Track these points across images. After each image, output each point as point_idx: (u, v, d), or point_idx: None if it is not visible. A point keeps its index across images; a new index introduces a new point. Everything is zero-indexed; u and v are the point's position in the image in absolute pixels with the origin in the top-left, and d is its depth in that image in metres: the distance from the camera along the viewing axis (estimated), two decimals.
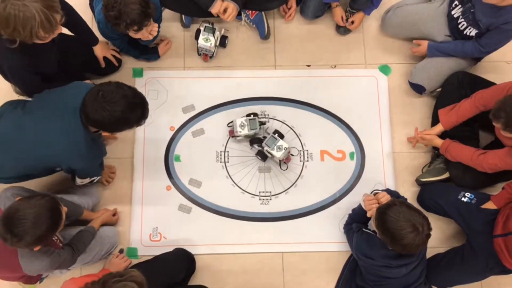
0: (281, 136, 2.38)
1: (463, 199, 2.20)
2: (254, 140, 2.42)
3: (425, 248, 2.05)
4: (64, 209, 1.80)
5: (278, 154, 2.34)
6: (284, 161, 2.42)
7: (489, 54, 2.36)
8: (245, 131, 2.37)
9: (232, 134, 2.44)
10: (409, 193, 2.45)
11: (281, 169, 2.44)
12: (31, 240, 1.66)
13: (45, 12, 1.68)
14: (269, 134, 2.39)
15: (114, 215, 2.32)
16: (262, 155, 2.41)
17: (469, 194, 2.21)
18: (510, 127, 1.88)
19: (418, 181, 2.43)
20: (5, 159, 1.94)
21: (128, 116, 1.78)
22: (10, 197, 1.90)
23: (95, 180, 2.26)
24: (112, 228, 2.29)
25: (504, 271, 2.08)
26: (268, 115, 2.52)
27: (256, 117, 2.40)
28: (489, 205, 2.14)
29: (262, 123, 2.43)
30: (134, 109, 1.79)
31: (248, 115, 2.41)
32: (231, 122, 2.44)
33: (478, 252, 2.12)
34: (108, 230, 2.26)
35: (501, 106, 1.88)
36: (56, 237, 1.96)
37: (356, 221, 2.16)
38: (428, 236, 1.78)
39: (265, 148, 2.35)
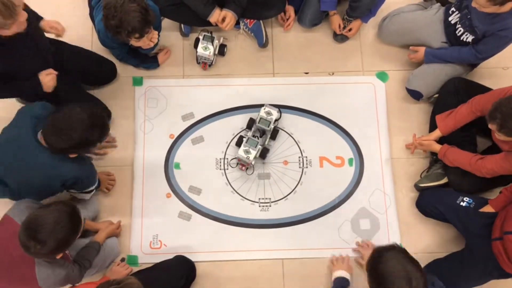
0: (252, 119, 2.45)
1: (461, 203, 2.21)
2: (263, 152, 2.43)
3: None
4: (83, 216, 1.83)
5: (275, 113, 2.40)
6: (239, 163, 2.44)
7: (485, 60, 2.38)
8: (253, 154, 2.35)
9: (244, 167, 2.44)
10: (408, 198, 2.46)
11: (278, 120, 2.47)
12: (53, 245, 1.67)
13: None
14: (256, 131, 2.44)
15: (117, 227, 2.32)
16: (275, 132, 2.47)
17: (468, 198, 2.22)
18: (505, 128, 1.89)
19: (417, 187, 2.44)
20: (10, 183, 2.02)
21: (87, 137, 1.83)
22: (24, 210, 1.87)
23: (93, 190, 2.25)
24: (114, 240, 2.29)
25: (503, 274, 2.08)
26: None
27: (248, 136, 2.39)
28: (487, 209, 2.16)
29: (255, 136, 2.42)
30: (92, 130, 1.83)
31: (239, 143, 2.41)
32: (235, 160, 2.45)
33: (477, 256, 2.12)
34: (110, 242, 2.26)
35: (497, 107, 1.90)
36: (67, 251, 1.97)
37: None
38: None
39: (271, 126, 2.41)
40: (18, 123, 1.96)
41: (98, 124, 1.87)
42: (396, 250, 1.64)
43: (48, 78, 2.13)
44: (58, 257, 1.75)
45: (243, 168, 2.45)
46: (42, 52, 2.12)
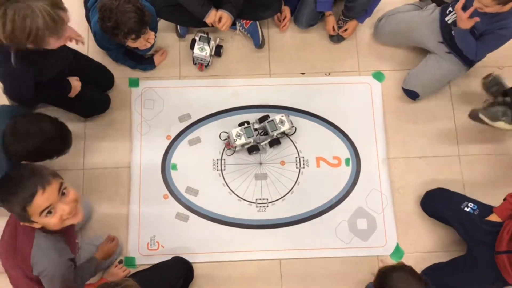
0: (268, 116, 2.46)
1: (465, 208, 2.19)
2: (252, 148, 2.43)
3: None
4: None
5: (287, 126, 2.40)
6: (292, 126, 2.47)
7: (480, 58, 2.38)
8: (242, 140, 2.38)
9: (228, 146, 2.46)
10: (406, 198, 2.47)
11: (291, 135, 2.50)
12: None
13: (49, 14, 1.59)
14: (263, 125, 2.43)
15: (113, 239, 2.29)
16: (276, 141, 2.45)
17: (472, 204, 2.20)
18: None
19: (473, 114, 2.33)
20: None
21: (44, 148, 1.81)
22: None
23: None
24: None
25: (507, 283, 2.06)
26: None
27: (250, 125, 2.42)
28: (493, 218, 2.13)
29: (256, 129, 2.45)
30: (51, 142, 1.81)
31: (241, 124, 2.44)
32: (226, 135, 2.46)
33: (481, 265, 2.10)
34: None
35: None
36: (78, 241, 1.92)
37: None
38: None
39: (275, 134, 2.41)
40: None
41: (60, 138, 1.84)
42: (403, 271, 1.66)
43: (76, 83, 2.22)
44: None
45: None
46: (63, 60, 2.09)
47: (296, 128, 2.51)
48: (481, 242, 2.12)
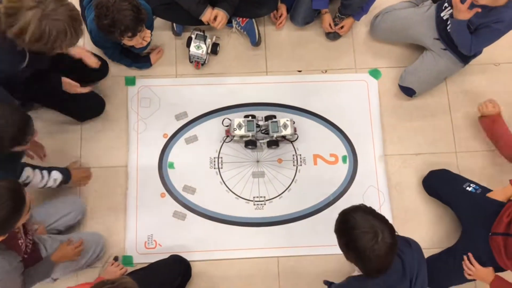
0: (274, 117, 2.45)
1: (467, 188, 2.24)
2: (249, 142, 2.43)
3: (423, 280, 1.70)
4: (29, 197, 1.63)
5: (288, 131, 2.39)
6: (294, 132, 2.46)
7: (475, 52, 2.35)
8: (242, 131, 2.38)
9: (228, 133, 2.46)
10: (402, 195, 2.48)
11: (292, 141, 2.49)
12: None
13: (73, 25, 1.68)
14: (266, 123, 2.43)
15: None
16: (274, 143, 2.44)
17: (474, 185, 2.25)
18: None
19: None
20: None
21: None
22: None
23: (58, 181, 2.15)
24: (95, 234, 2.27)
25: (497, 268, 2.09)
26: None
27: (254, 119, 2.42)
28: (494, 195, 2.16)
29: (258, 126, 2.45)
30: (6, 127, 1.69)
31: (246, 116, 2.43)
32: (229, 122, 2.47)
33: (472, 246, 2.13)
34: (91, 236, 2.23)
35: None
36: (22, 241, 1.82)
37: None
38: (390, 246, 1.51)
39: (275, 136, 2.39)
40: None
41: (16, 125, 1.71)
42: (361, 210, 1.61)
43: (67, 81, 2.18)
44: None
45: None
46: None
47: (298, 136, 2.49)
48: (478, 222, 2.14)
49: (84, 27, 1.75)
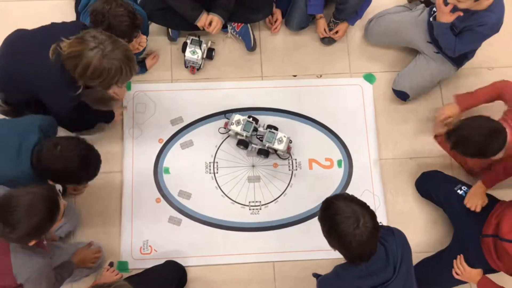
0: (276, 129, 2.43)
1: (458, 191, 2.25)
2: (241, 141, 2.44)
3: (407, 268, 1.72)
4: (63, 202, 1.69)
5: (281, 146, 2.38)
6: (287, 152, 2.45)
7: (458, 54, 2.35)
8: (237, 128, 2.39)
9: (226, 126, 2.47)
10: (397, 199, 2.49)
11: (282, 159, 2.47)
12: (24, 230, 1.55)
13: (129, 64, 1.85)
14: (264, 131, 2.42)
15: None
16: (265, 153, 2.43)
17: (466, 188, 2.26)
18: (454, 149, 1.99)
19: None
20: None
21: (79, 174, 1.82)
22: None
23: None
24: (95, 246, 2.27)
25: (488, 270, 2.10)
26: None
27: (254, 122, 2.42)
28: (479, 187, 2.18)
29: (256, 129, 2.45)
30: (87, 168, 1.84)
31: (250, 117, 2.44)
32: (231, 115, 2.47)
33: (465, 247, 2.14)
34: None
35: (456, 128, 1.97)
36: (45, 242, 1.87)
37: None
38: (372, 231, 1.54)
39: (267, 144, 2.39)
40: (24, 128, 1.87)
41: (94, 165, 1.87)
42: (343, 197, 1.65)
43: (118, 117, 2.47)
44: (31, 243, 1.63)
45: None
46: None
47: (290, 157, 2.49)
48: (468, 224, 2.16)
49: (137, 66, 1.94)
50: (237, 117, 2.41)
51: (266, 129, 2.44)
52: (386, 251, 1.67)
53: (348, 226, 1.53)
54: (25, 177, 1.80)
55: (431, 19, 2.38)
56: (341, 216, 1.55)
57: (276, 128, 2.44)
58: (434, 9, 2.37)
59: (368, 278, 1.64)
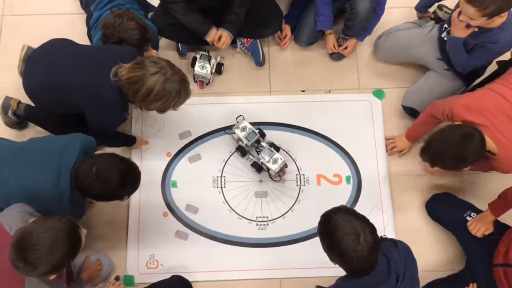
0: (277, 149, 2.41)
1: (468, 218, 2.21)
2: (239, 148, 2.45)
3: (411, 280, 1.71)
4: (83, 232, 1.65)
5: (274, 167, 2.35)
6: (279, 174, 2.43)
7: (467, 71, 2.34)
8: (241, 134, 2.40)
9: (232, 128, 2.47)
10: (407, 216, 2.45)
11: (274, 180, 2.45)
12: (45, 269, 1.50)
13: (186, 87, 1.96)
14: (264, 146, 2.41)
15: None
16: (258, 167, 2.42)
17: (475, 214, 2.21)
18: (437, 163, 1.96)
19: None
20: None
21: (119, 191, 1.82)
22: (16, 217, 1.68)
23: None
24: (104, 256, 2.26)
25: None
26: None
27: (258, 135, 2.42)
28: (487, 215, 2.13)
29: (258, 142, 2.44)
30: (126, 185, 1.82)
31: (258, 128, 2.45)
32: (240, 118, 2.51)
33: (477, 276, 2.09)
34: (103, 258, 2.24)
35: (430, 142, 1.95)
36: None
37: None
38: (373, 245, 1.53)
39: (261, 160, 2.37)
40: (65, 145, 1.87)
41: (133, 181, 1.87)
42: (341, 211, 1.62)
43: (140, 143, 2.51)
44: (52, 278, 1.61)
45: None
46: None
47: (280, 180, 2.46)
48: (479, 253, 2.11)
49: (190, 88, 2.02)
50: (245, 123, 2.41)
51: (268, 145, 2.42)
52: (388, 261, 1.65)
53: (349, 244, 1.52)
54: (64, 195, 1.81)
55: (444, 33, 2.37)
56: (341, 233, 1.54)
57: (278, 149, 2.42)
58: (445, 25, 2.37)
59: None
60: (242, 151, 2.45)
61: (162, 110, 2.02)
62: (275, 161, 2.36)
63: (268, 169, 2.40)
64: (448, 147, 1.88)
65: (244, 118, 2.48)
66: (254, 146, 2.44)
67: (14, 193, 1.81)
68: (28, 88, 2.13)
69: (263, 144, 2.45)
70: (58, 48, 2.12)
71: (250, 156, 2.47)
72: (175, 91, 1.91)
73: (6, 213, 1.73)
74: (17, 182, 1.81)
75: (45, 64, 2.06)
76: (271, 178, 2.46)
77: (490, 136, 1.93)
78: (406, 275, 1.65)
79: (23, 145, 1.95)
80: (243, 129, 2.41)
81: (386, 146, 2.53)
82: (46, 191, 1.80)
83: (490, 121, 1.96)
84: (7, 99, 2.36)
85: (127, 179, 1.82)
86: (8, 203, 1.78)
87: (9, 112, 2.35)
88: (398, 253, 1.69)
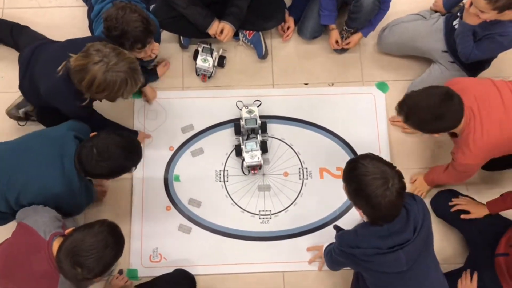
0: (263, 150, 2.41)
1: None
2: (236, 126, 2.47)
3: (427, 233, 1.73)
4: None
5: (248, 160, 2.35)
6: (249, 169, 2.42)
7: (471, 61, 2.32)
8: (244, 114, 2.42)
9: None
10: None
11: (243, 172, 2.45)
12: (100, 270, 1.62)
13: (133, 76, 1.86)
14: (256, 138, 2.40)
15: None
16: (238, 151, 2.43)
17: None
18: (409, 120, 1.91)
19: None
20: None
21: (125, 164, 1.89)
22: (48, 222, 1.76)
23: None
24: None
25: None
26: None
27: (257, 125, 2.41)
28: (481, 205, 2.17)
29: (253, 131, 2.43)
30: (131, 157, 1.89)
31: (263, 121, 2.45)
32: (243, 106, 2.49)
33: (478, 268, 2.10)
34: None
35: (405, 99, 1.92)
36: None
37: None
38: (400, 191, 1.55)
39: (242, 146, 2.39)
40: (60, 140, 1.91)
41: (136, 152, 1.93)
42: (369, 157, 1.63)
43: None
44: (96, 280, 1.70)
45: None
46: None
47: (248, 174, 2.45)
48: (482, 246, 2.12)
49: (142, 77, 1.94)
50: (255, 108, 2.42)
51: (261, 140, 2.41)
52: (408, 212, 1.67)
53: (377, 188, 1.53)
54: (74, 185, 1.88)
55: (456, 21, 2.32)
56: (370, 178, 1.55)
57: (264, 150, 2.41)
58: (455, 22, 2.33)
59: (388, 238, 1.64)
60: (238, 150, 2.44)
61: (110, 100, 1.97)
62: (252, 156, 2.35)
63: (243, 159, 2.39)
64: (427, 98, 1.84)
65: (260, 105, 2.49)
66: (248, 132, 2.44)
67: (24, 195, 1.87)
68: (19, 87, 2.22)
69: (257, 136, 2.43)
70: (40, 50, 2.14)
71: (244, 155, 2.42)
72: (119, 81, 1.83)
73: (36, 219, 1.77)
74: (25, 185, 1.86)
75: (25, 67, 2.13)
76: (241, 167, 2.45)
77: (469, 120, 1.91)
78: (423, 227, 1.68)
79: (19, 146, 1.95)
80: (250, 112, 2.40)
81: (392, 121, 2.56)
82: (55, 186, 1.85)
83: (478, 109, 1.92)
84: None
85: (129, 150, 1.87)
86: (21, 205, 1.88)
87: (22, 109, 2.37)
88: (417, 205, 1.71)
